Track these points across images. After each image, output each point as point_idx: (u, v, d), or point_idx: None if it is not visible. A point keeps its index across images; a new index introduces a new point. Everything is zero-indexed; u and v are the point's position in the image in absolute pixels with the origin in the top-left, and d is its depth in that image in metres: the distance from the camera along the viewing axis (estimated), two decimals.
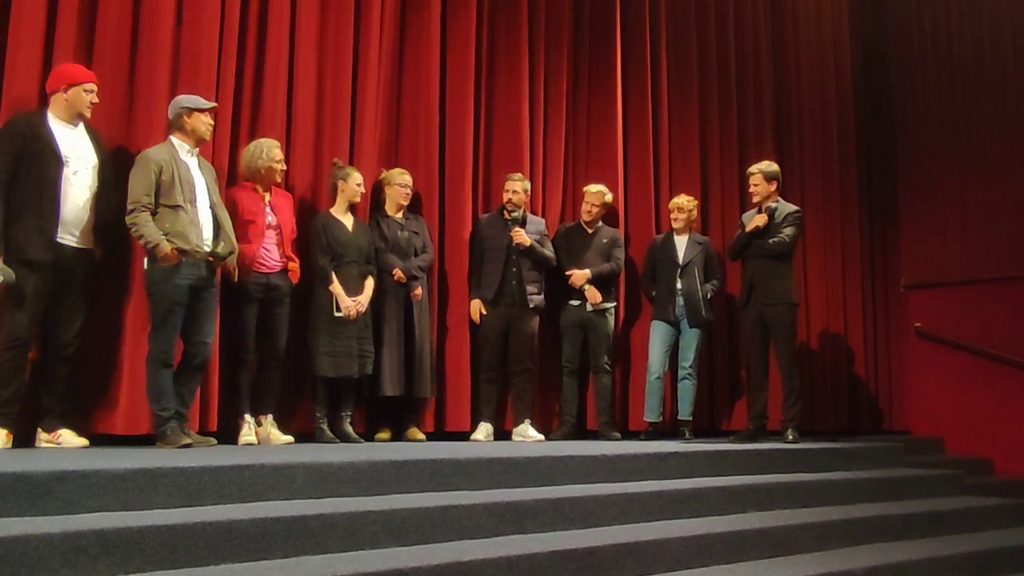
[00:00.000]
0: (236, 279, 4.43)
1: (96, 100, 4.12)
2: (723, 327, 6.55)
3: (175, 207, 4.11)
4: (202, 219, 4.23)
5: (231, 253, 4.35)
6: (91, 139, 4.14)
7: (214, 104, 4.46)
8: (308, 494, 3.22)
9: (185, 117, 4.28)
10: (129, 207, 4.07)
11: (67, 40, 4.27)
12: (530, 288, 5.57)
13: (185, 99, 4.34)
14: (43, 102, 4.11)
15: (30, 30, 4.18)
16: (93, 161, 4.10)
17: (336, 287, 4.85)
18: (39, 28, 4.21)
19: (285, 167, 4.77)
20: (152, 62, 4.49)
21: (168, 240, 4.04)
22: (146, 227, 4.03)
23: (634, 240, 6.38)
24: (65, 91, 4.03)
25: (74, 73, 4.08)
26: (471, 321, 5.57)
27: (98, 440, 4.16)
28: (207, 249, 4.20)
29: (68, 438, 3.99)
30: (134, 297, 4.30)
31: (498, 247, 5.54)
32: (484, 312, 5.52)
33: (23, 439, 3.94)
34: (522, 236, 5.52)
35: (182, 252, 4.07)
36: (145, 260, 4.12)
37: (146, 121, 4.46)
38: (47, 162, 3.93)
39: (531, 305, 5.56)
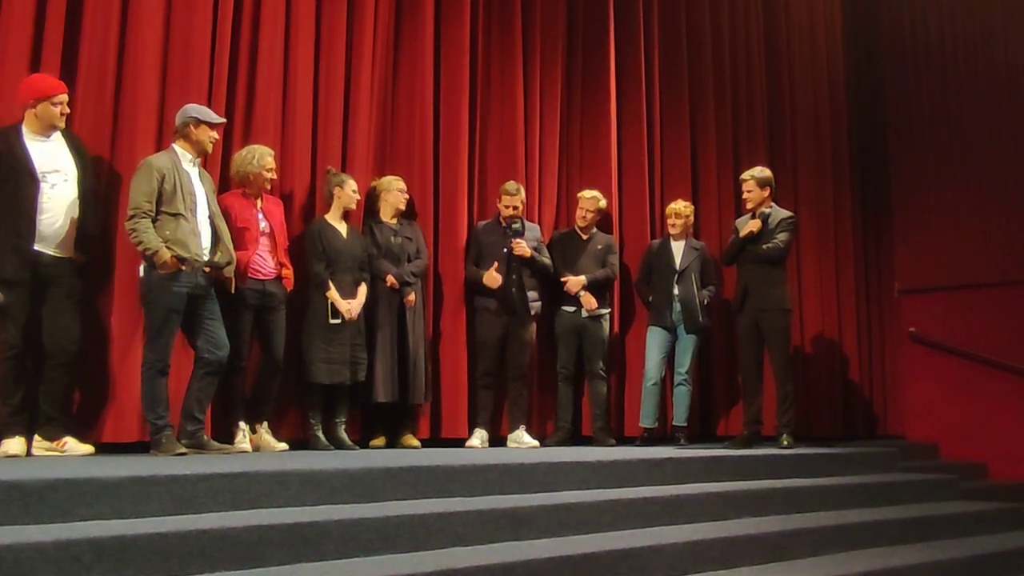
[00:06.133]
0: (234, 290, 4.42)
1: (67, 110, 4.06)
2: (718, 333, 6.55)
3: (176, 215, 4.11)
4: (201, 229, 4.23)
5: (229, 263, 4.35)
6: (70, 148, 4.09)
7: (223, 120, 4.47)
8: (303, 501, 3.21)
9: (192, 127, 4.28)
10: (129, 212, 4.05)
11: (53, 49, 4.25)
12: (530, 295, 5.58)
13: (194, 109, 4.33)
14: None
15: (16, 40, 4.16)
16: (73, 172, 4.05)
17: (333, 292, 4.84)
18: (26, 37, 4.19)
19: (275, 176, 4.76)
20: (139, 69, 4.47)
21: (168, 248, 4.03)
22: (146, 234, 4.02)
23: (628, 246, 6.38)
24: (34, 106, 3.97)
25: (41, 86, 4.00)
26: (466, 327, 5.56)
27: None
28: (206, 258, 4.20)
29: (73, 446, 3.99)
30: (124, 305, 4.29)
31: (498, 256, 5.52)
32: (483, 315, 5.51)
33: None
34: (523, 248, 5.51)
35: (181, 260, 4.07)
36: (141, 267, 4.12)
37: (131, 129, 4.44)
38: (22, 180, 3.89)
39: (531, 312, 5.57)
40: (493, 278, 5.44)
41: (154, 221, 4.07)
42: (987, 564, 4.31)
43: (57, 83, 4.07)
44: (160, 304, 4.07)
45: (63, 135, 4.10)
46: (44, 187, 3.94)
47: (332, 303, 4.83)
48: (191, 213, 4.18)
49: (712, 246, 6.45)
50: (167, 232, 4.08)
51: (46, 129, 4.02)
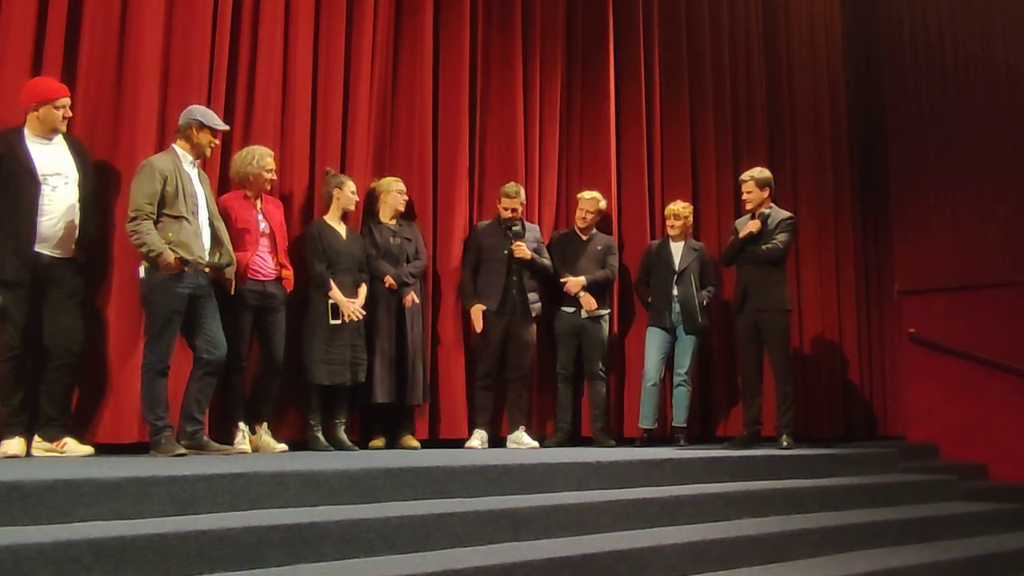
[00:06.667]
0: (233, 291, 4.42)
1: (69, 114, 4.06)
2: (718, 333, 6.55)
3: (178, 218, 4.11)
4: (203, 231, 4.23)
5: (229, 264, 4.35)
6: (72, 151, 4.09)
7: (226, 127, 4.47)
8: (302, 502, 3.21)
9: (194, 129, 4.28)
10: (131, 214, 4.05)
11: (54, 50, 4.24)
12: (531, 296, 5.58)
13: (200, 112, 4.33)
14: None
15: (16, 41, 4.16)
16: (73, 175, 4.04)
17: (336, 293, 4.84)
18: (27, 38, 4.18)
19: (275, 177, 4.76)
20: (139, 71, 4.46)
21: (171, 249, 4.03)
22: (149, 235, 4.01)
23: (628, 246, 6.38)
24: (36, 109, 3.97)
25: (44, 89, 4.01)
26: (465, 328, 5.56)
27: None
28: (207, 260, 4.20)
29: (73, 447, 3.99)
30: (123, 305, 4.29)
31: (498, 257, 5.53)
32: (484, 316, 5.49)
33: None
34: (523, 251, 5.51)
35: (184, 262, 4.06)
36: (142, 268, 4.11)
37: (131, 130, 4.43)
38: (23, 181, 3.89)
39: (532, 314, 5.57)
40: (478, 319, 5.47)
41: (156, 223, 4.07)
42: (987, 564, 4.31)
43: (59, 86, 4.07)
44: (162, 305, 4.07)
45: (65, 138, 4.09)
46: (45, 189, 3.93)
47: (332, 304, 4.82)
48: (193, 216, 4.18)
49: (712, 247, 6.45)
50: (170, 235, 4.07)
51: (48, 132, 4.02)
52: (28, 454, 3.87)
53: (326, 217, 4.99)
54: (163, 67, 4.56)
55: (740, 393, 6.06)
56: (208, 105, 4.57)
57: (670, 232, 6.13)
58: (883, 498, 4.92)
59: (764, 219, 5.68)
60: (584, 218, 5.95)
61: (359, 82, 5.32)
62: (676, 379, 6.00)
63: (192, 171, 4.29)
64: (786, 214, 5.81)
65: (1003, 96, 7.22)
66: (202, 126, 4.30)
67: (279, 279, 4.68)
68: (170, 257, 4.02)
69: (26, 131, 3.99)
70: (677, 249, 6.07)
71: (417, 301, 5.22)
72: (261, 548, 2.79)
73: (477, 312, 5.50)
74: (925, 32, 7.78)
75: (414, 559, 2.99)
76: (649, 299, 6.11)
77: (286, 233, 4.82)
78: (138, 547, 2.57)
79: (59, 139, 4.07)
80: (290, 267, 4.74)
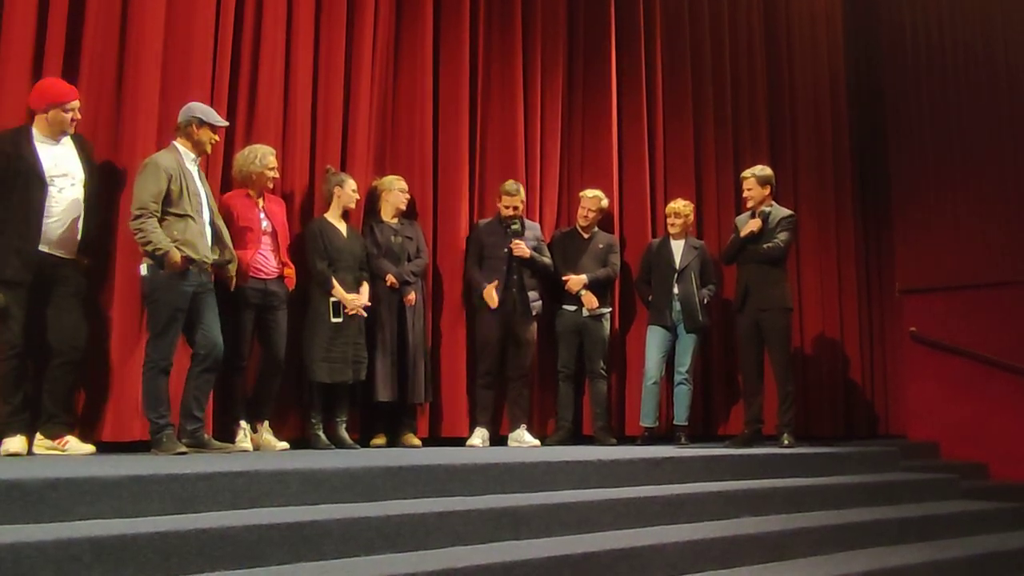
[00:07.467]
0: (234, 288, 4.42)
1: (79, 117, 4.05)
2: (719, 332, 6.55)
3: (183, 216, 4.11)
4: (206, 229, 4.24)
5: (230, 262, 4.35)
6: (78, 152, 4.09)
7: (226, 123, 4.47)
8: (303, 500, 3.21)
9: (194, 126, 4.27)
10: (136, 212, 4.04)
11: (55, 49, 4.24)
12: (531, 295, 5.58)
13: (199, 109, 4.32)
14: (30, 117, 4.05)
15: (18, 40, 4.16)
16: (80, 176, 4.04)
17: (339, 290, 4.84)
18: (28, 42, 4.18)
19: (278, 175, 4.76)
20: (141, 70, 4.46)
21: (177, 248, 4.03)
22: (154, 234, 4.01)
23: (629, 245, 6.39)
24: (46, 112, 3.96)
25: (54, 92, 4.00)
26: (467, 326, 5.57)
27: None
28: (211, 259, 4.21)
29: (75, 445, 3.99)
30: (124, 303, 4.28)
31: (499, 256, 5.53)
32: (484, 316, 5.49)
33: None
34: (522, 249, 5.51)
35: (190, 261, 4.07)
36: (144, 266, 4.10)
37: (132, 129, 4.43)
38: (30, 182, 3.88)
39: (533, 312, 5.57)
40: (492, 298, 5.44)
41: (160, 221, 4.07)
42: (987, 564, 4.31)
43: (69, 89, 4.06)
44: (167, 303, 4.07)
45: (72, 139, 4.09)
46: (52, 191, 3.93)
47: (334, 302, 4.82)
48: (197, 214, 4.19)
49: (712, 245, 6.45)
50: (175, 233, 4.07)
51: (56, 134, 4.01)
52: (30, 452, 3.87)
53: (327, 215, 4.99)
54: (164, 67, 4.55)
55: (741, 392, 6.06)
56: (210, 104, 4.57)
57: (671, 230, 6.13)
58: (884, 497, 4.92)
59: (765, 217, 5.68)
60: (586, 216, 5.95)
61: (360, 80, 5.32)
62: (677, 377, 6.00)
63: (193, 169, 4.29)
64: (787, 212, 5.81)
65: (1003, 96, 7.22)
66: (202, 123, 4.30)
67: (281, 277, 4.68)
68: (177, 256, 4.02)
69: (34, 131, 3.99)
70: (678, 247, 6.07)
71: (418, 300, 5.22)
72: (261, 547, 2.79)
73: (491, 291, 5.45)
74: (925, 32, 7.77)
75: (415, 557, 2.99)
76: (650, 297, 6.11)
77: (288, 232, 4.82)
78: (139, 545, 2.57)
79: (67, 140, 4.07)
80: (292, 265, 4.75)
